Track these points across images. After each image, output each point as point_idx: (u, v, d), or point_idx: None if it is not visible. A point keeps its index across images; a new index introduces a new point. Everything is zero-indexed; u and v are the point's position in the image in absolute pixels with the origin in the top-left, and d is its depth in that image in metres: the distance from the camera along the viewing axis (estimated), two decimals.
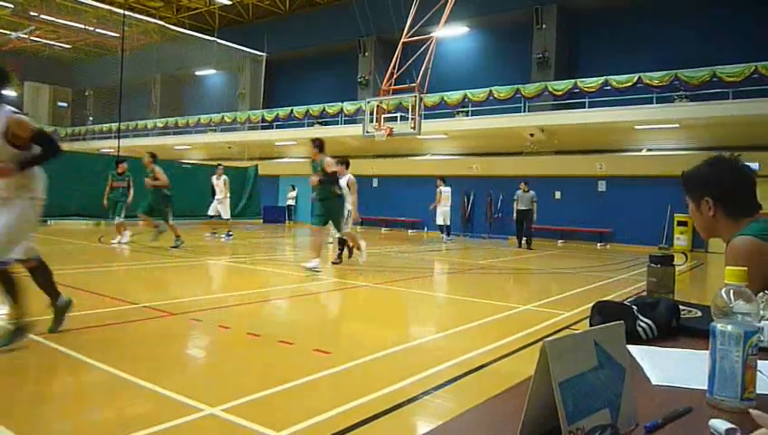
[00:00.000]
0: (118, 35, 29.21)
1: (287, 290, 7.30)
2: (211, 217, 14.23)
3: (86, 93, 35.58)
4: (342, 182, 9.29)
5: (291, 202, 24.80)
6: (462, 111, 19.84)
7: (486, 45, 22.16)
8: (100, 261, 9.32)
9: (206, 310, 5.57)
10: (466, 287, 8.29)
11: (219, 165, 14.86)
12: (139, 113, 30.16)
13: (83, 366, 3.55)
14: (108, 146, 26.43)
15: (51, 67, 34.97)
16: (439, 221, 16.45)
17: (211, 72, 30.30)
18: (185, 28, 27.47)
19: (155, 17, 27.13)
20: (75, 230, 15.19)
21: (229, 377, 3.55)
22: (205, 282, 8.01)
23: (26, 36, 30.12)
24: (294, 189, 24.65)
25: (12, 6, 25.84)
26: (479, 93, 18.85)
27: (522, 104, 18.62)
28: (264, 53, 26.69)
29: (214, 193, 14.06)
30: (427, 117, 17.74)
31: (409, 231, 21.31)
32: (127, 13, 22.63)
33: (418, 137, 16.32)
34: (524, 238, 15.07)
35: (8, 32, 29.50)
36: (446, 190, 16.20)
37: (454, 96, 19.27)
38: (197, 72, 30.76)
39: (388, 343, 4.51)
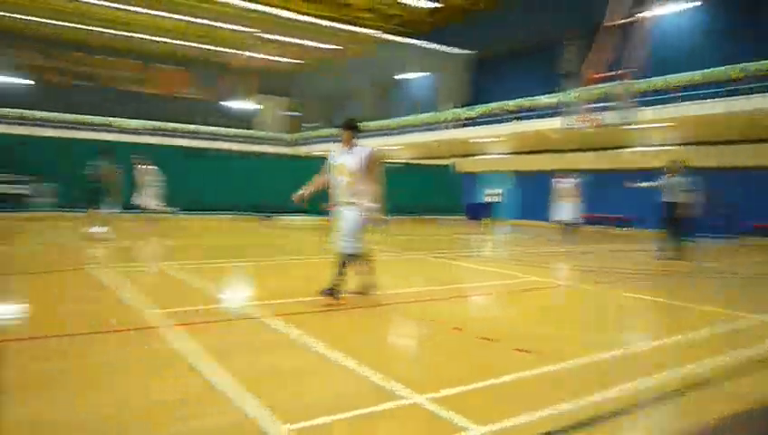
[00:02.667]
0: (335, 47, 32.14)
1: (486, 287, 7.34)
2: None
3: (307, 102, 39.74)
4: None
5: (492, 199, 24.77)
6: (682, 96, 17.76)
7: (717, 19, 19.53)
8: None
9: (414, 302, 5.88)
10: (686, 290, 7.46)
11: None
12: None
13: (299, 346, 4.00)
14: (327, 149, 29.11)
15: (278, 80, 39.58)
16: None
17: (417, 74, 31.59)
18: (395, 35, 29.02)
19: (368, 27, 29.07)
20: (298, 225, 17.06)
21: (435, 368, 3.72)
22: (413, 274, 8.39)
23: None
24: (498, 186, 24.58)
25: (250, 30, 29.86)
26: (716, 72, 16.40)
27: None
28: (468, 51, 27.03)
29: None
30: (645, 103, 16.26)
31: (621, 229, 19.89)
32: (340, 26, 24.70)
33: (627, 127, 15.05)
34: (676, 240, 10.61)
35: (241, 51, 34.14)
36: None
37: (675, 79, 17.34)
38: (404, 75, 32.28)
39: (594, 347, 4.29)
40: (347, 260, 5.46)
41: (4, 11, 28.33)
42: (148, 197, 13.32)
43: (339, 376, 3.44)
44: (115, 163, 11.49)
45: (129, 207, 12.75)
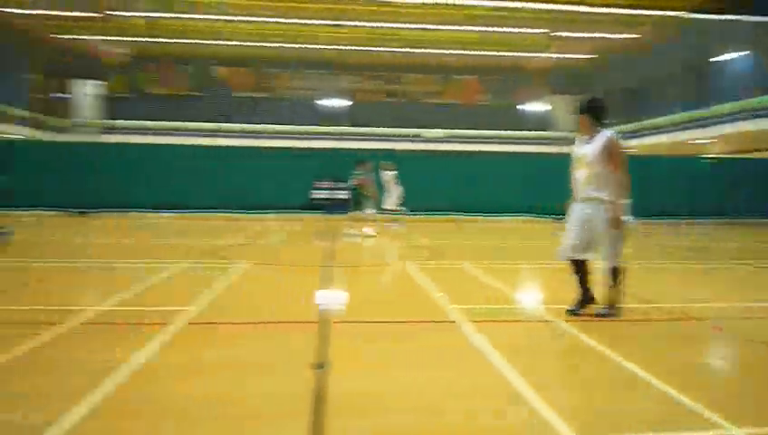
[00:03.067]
0: (635, 36, 29.79)
1: None
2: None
3: (601, 96, 37.61)
4: None
5: None
6: None
7: None
8: None
9: (730, 318, 5.14)
10: None
11: None
12: (654, 110, 30.12)
13: (607, 358, 3.86)
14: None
15: (570, 78, 38.37)
16: None
17: (736, 54, 27.14)
18: (703, 13, 25.51)
19: (672, 9, 26.19)
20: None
21: (754, 398, 3.21)
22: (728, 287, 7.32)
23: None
24: None
25: (543, 31, 29.75)
26: None
27: None
28: None
29: None
30: None
31: None
32: (641, 12, 22.75)
33: None
34: None
35: (534, 54, 34.10)
36: None
37: None
38: (719, 57, 28.08)
39: None
40: (610, 272, 4.86)
41: (327, 44, 33.87)
42: (390, 199, 15.28)
43: (637, 392, 3.24)
44: (371, 172, 13.96)
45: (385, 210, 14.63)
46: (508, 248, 11.48)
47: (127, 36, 33.54)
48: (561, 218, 5.29)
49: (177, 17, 30.77)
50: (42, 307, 5.09)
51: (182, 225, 14.93)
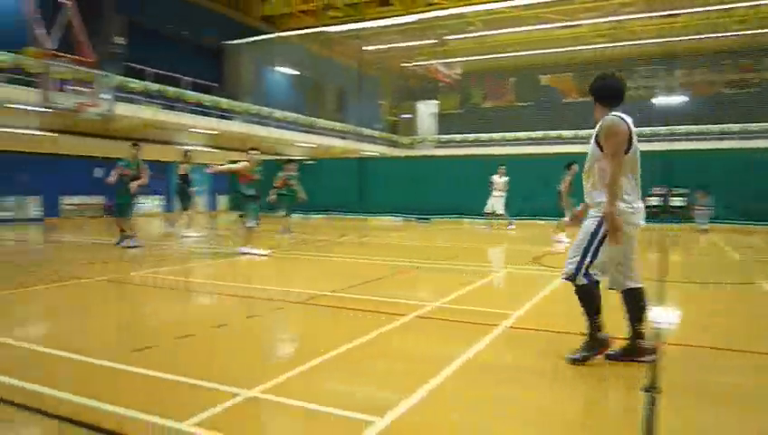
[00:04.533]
0: None
1: None
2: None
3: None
4: None
5: None
6: None
7: None
8: None
9: None
10: None
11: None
12: None
13: None
14: None
15: None
16: None
17: None
18: None
19: None
20: None
21: None
22: None
23: None
24: None
25: None
26: None
27: None
28: None
29: None
30: None
31: None
32: None
33: None
34: None
35: None
36: None
37: None
38: None
39: None
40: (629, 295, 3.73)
41: (658, 38, 30.69)
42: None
43: None
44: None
45: None
46: None
47: (458, 57, 36.52)
48: None
49: (501, 32, 32.18)
50: (394, 300, 5.95)
51: (504, 231, 15.46)
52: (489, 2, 27.17)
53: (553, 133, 36.26)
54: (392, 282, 7.31)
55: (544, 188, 16.98)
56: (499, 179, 15.58)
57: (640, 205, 3.70)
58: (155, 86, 23.77)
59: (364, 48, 33.04)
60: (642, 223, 3.70)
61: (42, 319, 5.48)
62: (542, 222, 17.22)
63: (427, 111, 43.66)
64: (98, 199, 21.77)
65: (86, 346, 4.35)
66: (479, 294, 6.39)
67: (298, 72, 33.98)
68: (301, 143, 31.89)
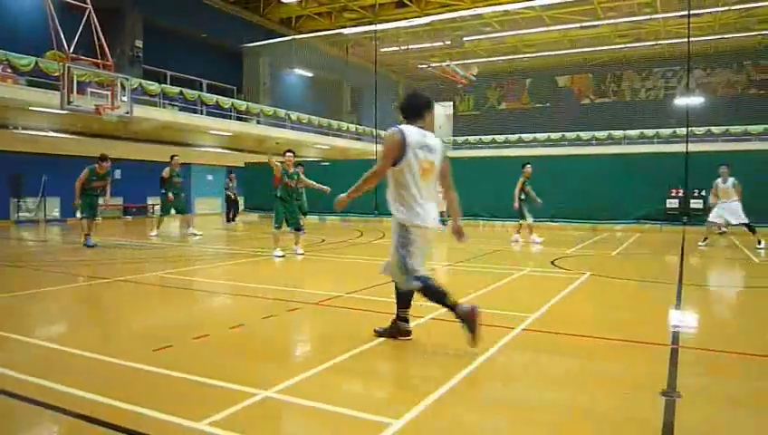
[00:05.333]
0: None
1: None
2: None
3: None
4: None
5: None
6: None
7: None
8: None
9: None
10: None
11: None
12: None
13: None
14: None
15: None
16: None
17: None
18: None
19: None
20: None
21: None
22: None
23: None
24: None
25: None
26: None
27: None
28: None
29: None
30: None
31: None
32: None
33: None
34: None
35: None
36: None
37: None
38: None
39: None
40: None
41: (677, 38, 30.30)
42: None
43: None
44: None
45: None
46: None
47: (473, 58, 36.43)
48: None
49: (517, 33, 32.03)
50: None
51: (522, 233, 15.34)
52: (507, 2, 27.05)
53: (571, 135, 36.02)
54: None
55: (561, 189, 16.91)
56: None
57: (421, 210, 4.03)
58: (174, 89, 24.03)
59: (380, 50, 33.17)
60: (428, 225, 4.09)
61: (60, 318, 5.55)
62: (557, 224, 17.09)
63: (442, 112, 43.62)
64: (116, 201, 22.06)
65: (105, 345, 4.40)
66: (496, 296, 6.35)
67: (314, 74, 34.13)
68: (317, 145, 32.02)
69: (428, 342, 4.41)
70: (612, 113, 35.62)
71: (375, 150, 23.60)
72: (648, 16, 27.95)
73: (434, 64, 37.16)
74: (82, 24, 14.43)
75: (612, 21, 29.04)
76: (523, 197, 12.55)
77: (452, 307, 3.97)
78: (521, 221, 12.74)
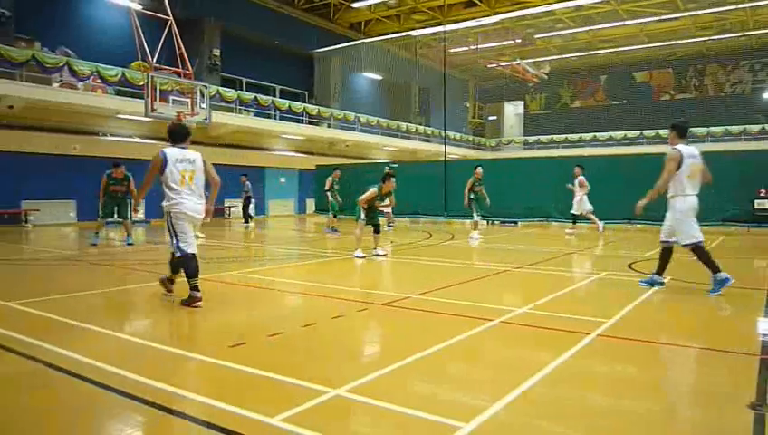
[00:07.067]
0: None
1: None
2: None
3: None
4: None
5: None
6: None
7: None
8: None
9: None
10: None
11: None
12: None
13: None
14: None
15: None
16: None
17: None
18: None
19: None
20: None
21: None
22: None
23: None
24: None
25: None
26: None
27: None
28: None
29: None
30: None
31: None
32: None
33: None
34: None
35: None
36: None
37: None
38: None
39: None
40: None
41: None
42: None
43: None
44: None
45: None
46: None
47: (545, 56, 35.53)
48: None
49: (590, 29, 30.97)
50: (479, 304, 5.87)
51: (594, 235, 14.82)
52: None
53: (650, 132, 34.40)
54: (476, 286, 7.22)
55: (637, 190, 16.07)
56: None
57: (182, 200, 5.78)
58: (249, 95, 24.89)
59: (449, 50, 32.98)
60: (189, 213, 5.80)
61: (141, 315, 5.88)
62: (630, 226, 16.38)
63: (513, 111, 42.82)
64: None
65: (183, 341, 4.61)
66: (568, 301, 6.18)
67: (383, 77, 34.40)
68: (386, 147, 32.23)
69: (500, 345, 4.34)
70: (695, 109, 33.77)
71: (444, 152, 23.40)
72: (734, 6, 26.28)
73: (504, 63, 36.55)
74: (164, 35, 15.22)
75: (694, 12, 27.52)
76: (472, 196, 13.48)
77: None
78: (474, 219, 13.76)
